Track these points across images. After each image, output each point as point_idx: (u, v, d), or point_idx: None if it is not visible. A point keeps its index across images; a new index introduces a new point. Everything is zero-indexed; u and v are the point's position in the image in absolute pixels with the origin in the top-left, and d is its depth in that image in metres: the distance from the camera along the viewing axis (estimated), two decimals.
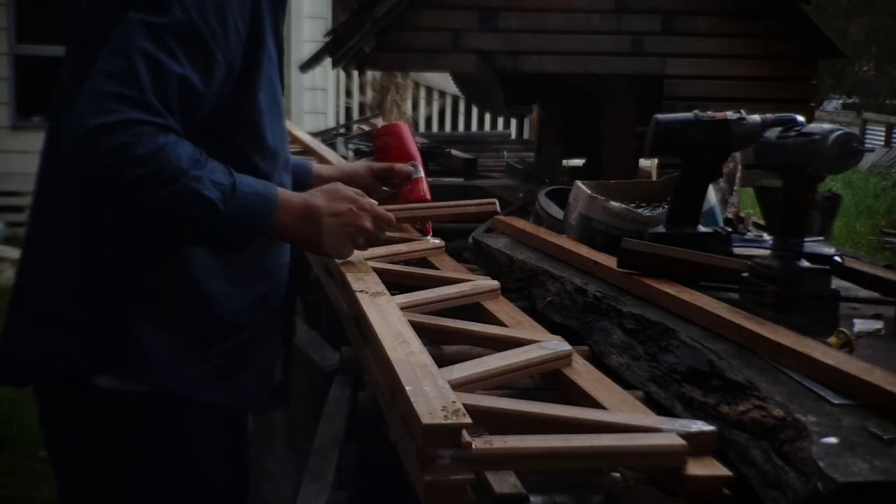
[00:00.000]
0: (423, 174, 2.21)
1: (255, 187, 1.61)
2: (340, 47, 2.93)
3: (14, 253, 6.54)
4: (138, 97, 1.49)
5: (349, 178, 2.07)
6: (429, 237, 2.23)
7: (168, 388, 1.66)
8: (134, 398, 1.65)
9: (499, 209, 2.23)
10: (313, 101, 8.65)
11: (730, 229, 2.15)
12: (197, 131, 1.58)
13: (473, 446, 1.14)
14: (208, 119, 1.61)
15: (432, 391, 1.24)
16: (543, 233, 2.28)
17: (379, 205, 1.82)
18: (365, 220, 1.73)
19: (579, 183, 2.25)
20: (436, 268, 2.05)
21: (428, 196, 2.20)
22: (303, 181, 2.03)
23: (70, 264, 1.66)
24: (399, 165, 2.16)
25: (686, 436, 1.24)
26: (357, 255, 1.96)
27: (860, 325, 1.62)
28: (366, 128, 4.69)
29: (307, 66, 3.34)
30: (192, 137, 1.56)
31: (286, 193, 1.66)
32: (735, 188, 2.52)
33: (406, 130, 2.31)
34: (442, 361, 1.45)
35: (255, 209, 1.60)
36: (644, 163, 3.17)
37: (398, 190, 2.19)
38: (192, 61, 1.55)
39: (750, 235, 2.30)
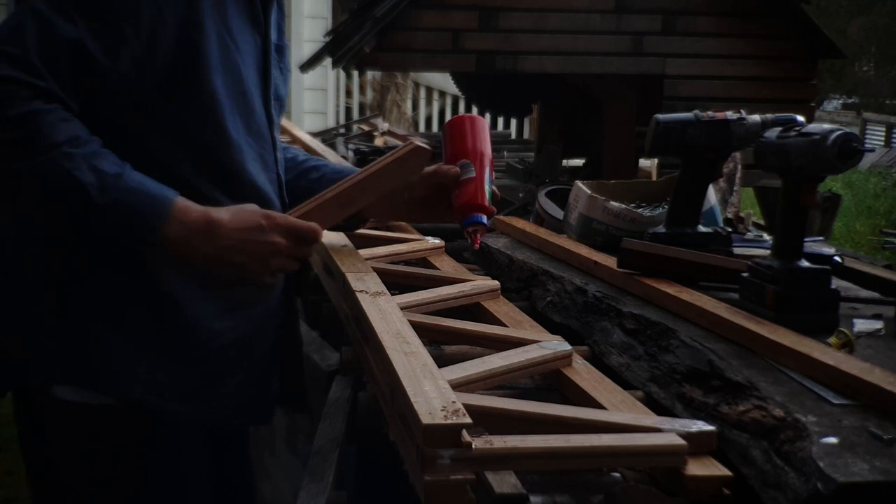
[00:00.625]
0: (475, 174, 1.80)
1: (145, 185, 1.44)
2: (340, 47, 2.93)
3: None
4: (18, 54, 1.36)
5: (401, 186, 1.84)
6: (429, 238, 2.22)
7: (136, 400, 1.52)
8: (104, 412, 1.53)
9: (425, 147, 1.74)
10: (313, 101, 8.64)
11: (730, 229, 2.15)
12: (159, 124, 1.50)
13: (473, 446, 1.14)
14: (167, 110, 1.50)
15: (432, 391, 1.24)
16: (543, 233, 2.28)
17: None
18: (276, 236, 1.52)
19: (579, 183, 2.25)
20: (436, 268, 2.05)
21: (480, 199, 1.78)
22: None
23: (20, 266, 1.54)
24: (444, 166, 1.81)
25: (686, 436, 1.24)
26: (358, 253, 1.96)
27: (860, 325, 1.62)
28: (366, 128, 4.69)
29: (307, 66, 3.34)
30: (153, 130, 1.49)
31: (186, 203, 1.47)
32: (735, 188, 2.52)
33: (463, 125, 1.87)
34: (442, 361, 1.45)
35: (138, 208, 1.42)
36: (644, 163, 3.18)
37: (452, 196, 1.82)
38: (91, 28, 1.41)
39: (750, 235, 2.30)
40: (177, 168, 1.52)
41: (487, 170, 1.80)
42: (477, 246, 1.83)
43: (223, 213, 1.50)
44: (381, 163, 1.68)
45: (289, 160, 1.85)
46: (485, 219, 1.79)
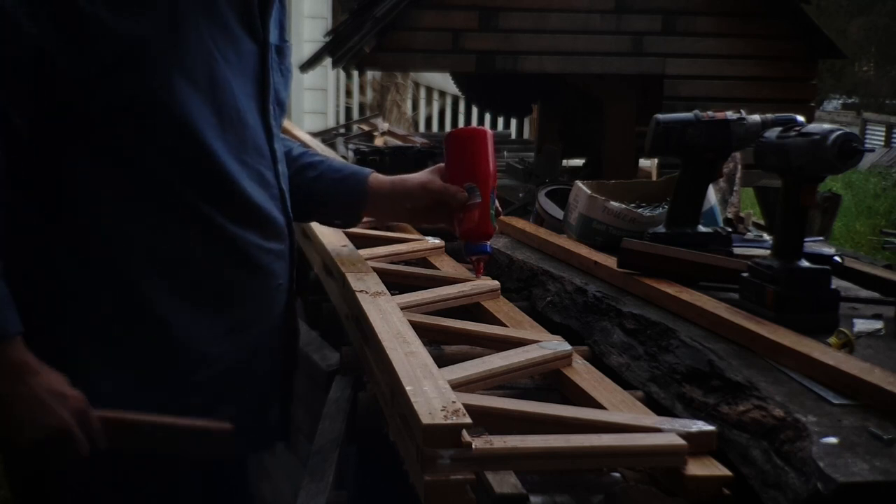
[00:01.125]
0: (482, 199, 1.77)
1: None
2: (340, 47, 2.93)
3: None
4: None
5: (403, 195, 1.80)
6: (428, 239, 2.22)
7: None
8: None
9: (233, 442, 1.50)
10: (313, 101, 8.64)
11: (730, 229, 2.15)
12: (151, 140, 1.40)
13: (473, 446, 1.14)
14: (151, 128, 1.40)
15: (432, 391, 1.24)
16: (543, 233, 2.28)
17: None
18: (70, 417, 1.35)
19: (579, 183, 2.25)
20: (436, 268, 2.05)
21: (485, 228, 1.78)
22: (355, 195, 1.80)
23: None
24: (451, 188, 1.77)
25: (686, 436, 1.24)
26: (358, 253, 1.96)
27: (860, 325, 1.62)
28: (366, 128, 4.69)
29: (307, 66, 3.34)
30: (148, 147, 1.39)
31: (16, 346, 1.33)
32: (735, 188, 2.52)
33: (471, 141, 1.82)
34: (442, 361, 1.45)
35: None
36: (644, 163, 3.18)
37: (455, 217, 1.80)
38: (56, 32, 1.32)
39: (750, 235, 2.30)
40: (176, 188, 1.44)
41: (493, 192, 1.79)
42: (480, 274, 1.86)
43: (40, 368, 1.35)
44: (181, 421, 1.47)
45: (286, 153, 1.71)
46: (489, 247, 1.82)
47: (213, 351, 1.48)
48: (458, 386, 1.33)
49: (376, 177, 1.83)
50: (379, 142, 4.19)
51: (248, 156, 1.51)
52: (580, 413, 1.32)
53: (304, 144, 3.07)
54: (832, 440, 1.18)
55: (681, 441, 1.23)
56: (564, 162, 3.41)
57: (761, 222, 2.93)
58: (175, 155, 1.43)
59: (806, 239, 1.69)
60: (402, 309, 1.62)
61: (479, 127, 1.82)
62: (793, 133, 1.63)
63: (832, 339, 1.50)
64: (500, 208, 1.82)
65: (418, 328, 1.54)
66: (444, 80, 7.84)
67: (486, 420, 1.26)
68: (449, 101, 9.06)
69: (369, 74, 8.72)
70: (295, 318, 1.67)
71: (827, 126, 1.62)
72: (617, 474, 1.30)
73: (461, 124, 8.98)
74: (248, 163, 1.51)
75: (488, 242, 1.82)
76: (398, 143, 4.04)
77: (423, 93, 9.27)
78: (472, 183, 1.77)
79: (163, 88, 1.39)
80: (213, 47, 1.44)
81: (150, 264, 1.44)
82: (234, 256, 1.50)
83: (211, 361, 1.48)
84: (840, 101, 20.42)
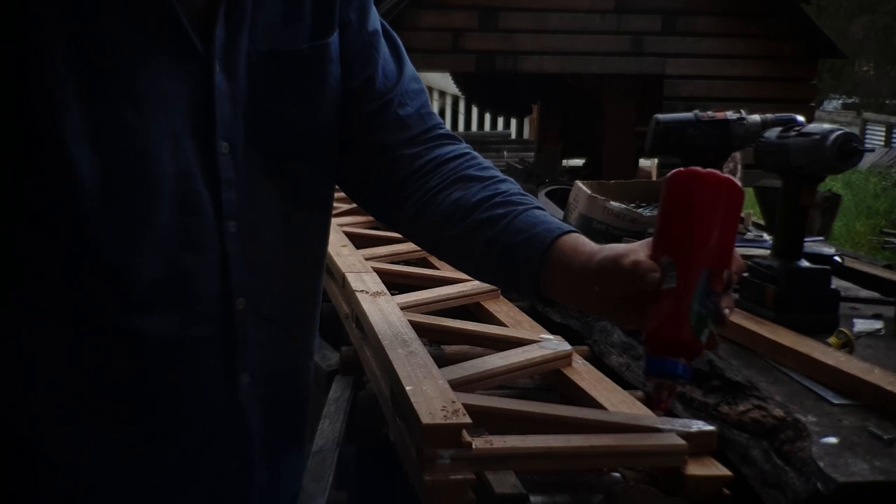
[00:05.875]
0: (679, 285, 1.05)
1: None
2: None
3: None
4: None
5: (594, 273, 1.08)
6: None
7: None
8: None
9: None
10: None
11: None
12: (16, 215, 1.06)
13: (473, 446, 1.14)
14: (19, 198, 1.05)
15: (432, 391, 1.24)
16: None
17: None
18: None
19: (579, 183, 2.25)
20: (436, 268, 2.05)
21: (675, 331, 1.04)
22: (528, 266, 1.12)
23: None
24: (644, 263, 1.05)
25: (686, 436, 1.24)
26: (358, 253, 1.96)
27: (860, 325, 1.62)
28: None
29: None
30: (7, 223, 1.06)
31: None
32: None
33: (687, 191, 1.09)
34: (442, 361, 1.45)
35: None
36: (644, 163, 3.18)
37: (649, 301, 1.06)
38: None
39: (750, 235, 2.30)
40: (46, 274, 1.09)
41: (706, 277, 1.07)
42: (665, 408, 1.13)
43: None
44: None
45: (458, 199, 1.20)
46: (680, 368, 1.07)
47: (110, 470, 1.15)
48: (458, 386, 1.33)
49: (575, 242, 1.15)
50: None
51: (164, 216, 1.11)
52: (580, 413, 1.32)
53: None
54: (832, 440, 1.18)
55: (681, 441, 1.23)
56: (564, 162, 3.42)
57: (761, 222, 2.93)
58: (43, 231, 1.08)
59: (806, 239, 1.69)
60: (402, 309, 1.62)
61: (718, 172, 1.10)
62: (793, 133, 1.63)
63: (832, 339, 1.50)
64: (725, 311, 1.07)
65: (418, 328, 1.53)
66: (444, 80, 7.83)
67: (486, 420, 1.26)
68: (449, 101, 9.04)
69: None
70: (241, 413, 1.20)
71: (827, 126, 1.62)
72: (617, 474, 1.30)
73: (461, 124, 8.95)
74: (164, 224, 1.11)
75: (680, 360, 1.06)
76: None
77: None
78: (670, 257, 1.07)
79: (12, 147, 1.05)
80: (99, 82, 1.05)
81: (19, 372, 1.13)
82: (129, 358, 1.14)
83: (106, 481, 1.15)
84: (840, 101, 20.43)
